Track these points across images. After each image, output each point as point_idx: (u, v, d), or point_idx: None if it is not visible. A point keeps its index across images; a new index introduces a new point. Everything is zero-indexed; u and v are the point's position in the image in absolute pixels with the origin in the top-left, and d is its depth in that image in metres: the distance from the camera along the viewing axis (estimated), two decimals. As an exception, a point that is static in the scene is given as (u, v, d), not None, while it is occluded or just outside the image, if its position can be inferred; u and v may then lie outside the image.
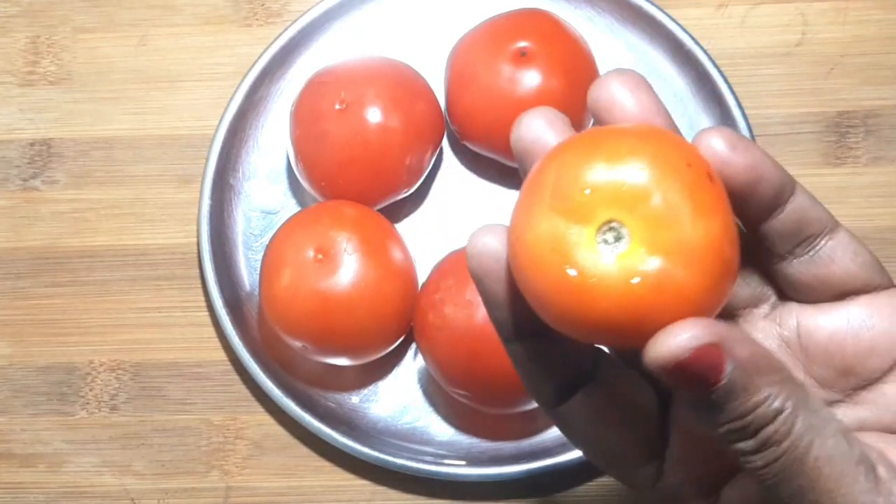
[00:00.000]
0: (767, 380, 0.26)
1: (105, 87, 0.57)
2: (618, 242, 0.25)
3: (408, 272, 0.50)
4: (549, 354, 0.29)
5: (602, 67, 0.52)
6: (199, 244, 0.53)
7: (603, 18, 0.56)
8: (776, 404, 0.26)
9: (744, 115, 0.52)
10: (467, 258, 0.29)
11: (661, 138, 0.27)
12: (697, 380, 0.25)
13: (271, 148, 0.55)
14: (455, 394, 0.49)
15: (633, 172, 0.26)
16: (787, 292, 0.31)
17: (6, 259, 0.55)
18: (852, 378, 0.31)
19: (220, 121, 0.54)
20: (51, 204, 0.56)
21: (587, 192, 0.26)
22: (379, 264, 0.48)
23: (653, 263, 0.25)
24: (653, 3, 0.55)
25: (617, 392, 0.30)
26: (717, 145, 0.28)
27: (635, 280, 0.25)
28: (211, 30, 0.58)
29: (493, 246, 0.28)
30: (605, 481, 0.50)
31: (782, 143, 0.54)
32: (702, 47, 0.54)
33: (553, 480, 0.50)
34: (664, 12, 0.54)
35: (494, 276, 0.28)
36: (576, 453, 0.49)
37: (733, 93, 0.53)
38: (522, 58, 0.50)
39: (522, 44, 0.51)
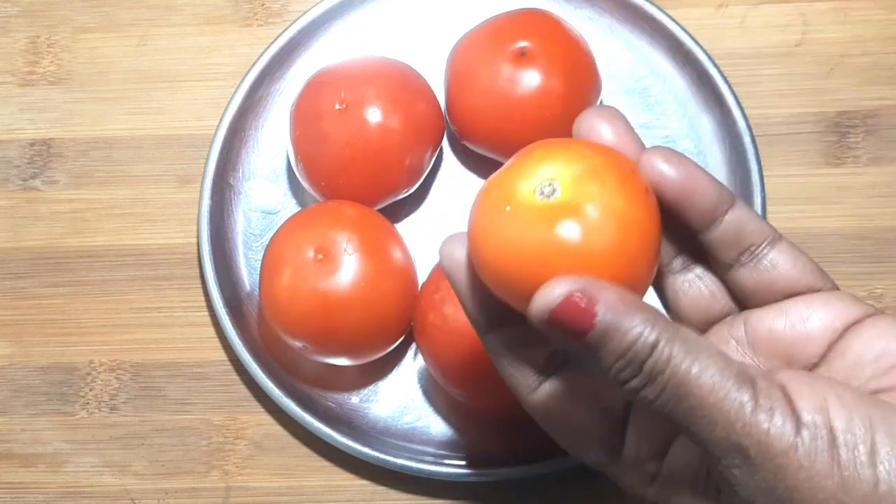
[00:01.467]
0: (639, 318, 0.29)
1: (105, 87, 0.57)
2: (551, 196, 0.30)
3: (408, 272, 0.50)
4: (521, 340, 0.33)
5: (602, 67, 0.52)
6: (199, 244, 0.53)
7: (603, 18, 0.56)
8: (651, 338, 0.29)
9: (744, 115, 0.52)
10: (441, 264, 0.34)
11: (610, 151, 0.32)
12: (574, 327, 0.29)
13: (271, 148, 0.55)
14: (455, 394, 0.49)
15: (578, 165, 0.31)
16: (741, 301, 0.35)
17: (6, 259, 0.55)
18: (795, 365, 0.34)
19: (220, 121, 0.54)
20: (51, 204, 0.56)
21: (543, 171, 0.31)
22: (379, 264, 0.48)
23: (573, 224, 0.30)
24: (653, 3, 0.55)
25: (586, 376, 0.34)
26: (655, 160, 0.32)
27: (558, 228, 0.30)
28: (211, 30, 0.58)
29: (457, 247, 0.33)
30: (604, 481, 0.50)
31: (782, 143, 0.54)
32: (702, 47, 0.54)
33: (552, 480, 0.50)
34: (664, 12, 0.54)
35: (459, 273, 0.33)
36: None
37: (733, 93, 0.53)
38: (522, 58, 0.50)
39: (522, 44, 0.51)
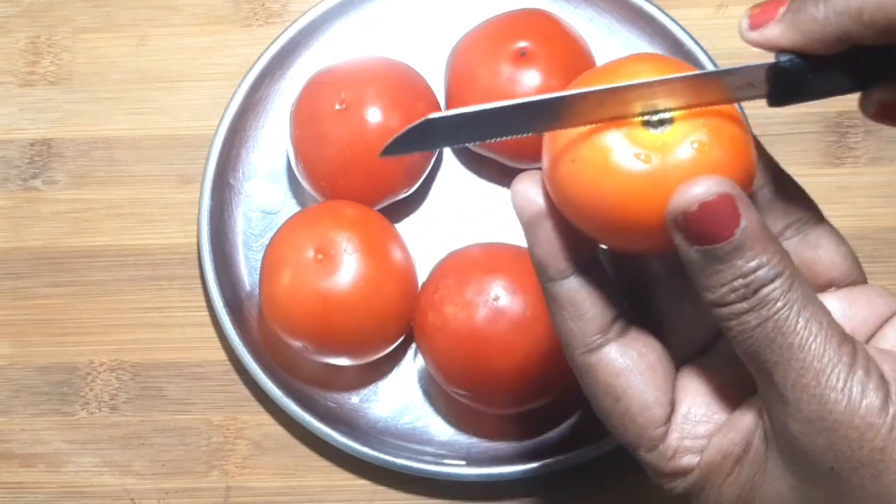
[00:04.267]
0: (773, 247, 0.29)
1: (105, 87, 0.57)
2: (662, 126, 0.30)
3: (408, 272, 0.50)
4: (589, 294, 0.32)
5: (602, 67, 0.52)
6: (199, 244, 0.53)
7: (603, 19, 0.56)
8: (776, 269, 0.29)
9: (743, 114, 0.52)
10: (514, 208, 0.32)
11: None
12: (712, 229, 0.28)
13: (271, 148, 0.55)
14: (455, 394, 0.49)
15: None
16: None
17: (6, 259, 0.55)
18: None
19: (220, 121, 0.54)
20: (51, 204, 0.56)
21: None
22: (379, 264, 0.48)
23: (698, 136, 0.29)
24: (653, 4, 0.55)
25: (649, 347, 0.33)
26: None
27: (689, 148, 0.29)
28: (211, 30, 0.58)
29: (531, 187, 0.32)
30: (604, 481, 0.50)
31: (782, 143, 0.54)
32: (702, 47, 0.54)
33: (553, 480, 0.50)
34: (664, 12, 0.54)
35: (532, 213, 0.32)
36: (575, 454, 0.49)
37: (733, 93, 0.53)
38: (522, 58, 0.50)
39: (522, 44, 0.51)
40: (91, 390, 0.53)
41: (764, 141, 0.53)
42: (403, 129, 0.30)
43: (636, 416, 0.32)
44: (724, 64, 0.54)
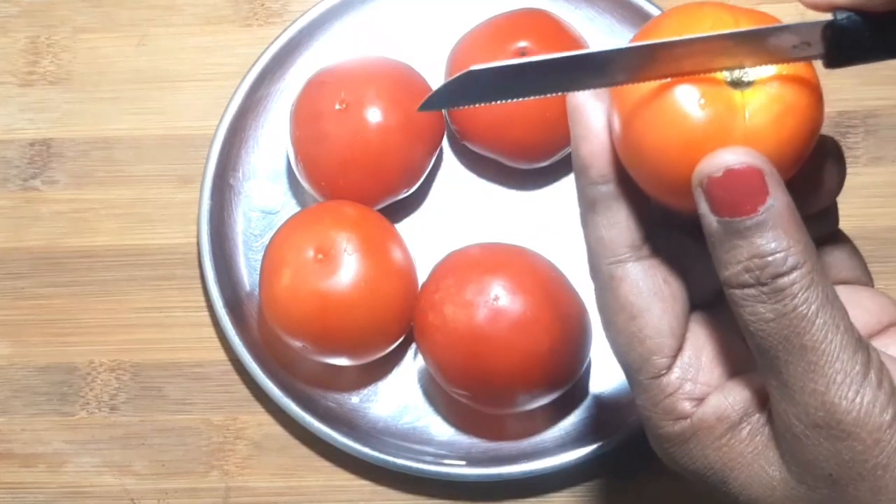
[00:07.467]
0: (797, 236, 0.28)
1: (105, 87, 0.57)
2: (741, 86, 0.29)
3: (408, 272, 0.50)
4: (631, 202, 0.31)
5: (602, 67, 0.52)
6: (199, 244, 0.53)
7: (603, 18, 0.56)
8: (796, 258, 0.28)
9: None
10: (568, 106, 0.32)
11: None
12: (737, 201, 0.27)
13: (271, 148, 0.55)
14: (455, 394, 0.49)
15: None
16: None
17: (6, 259, 0.55)
18: None
19: (220, 121, 0.54)
20: (51, 204, 0.56)
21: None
22: (379, 264, 0.48)
23: (770, 104, 0.29)
24: (653, 4, 0.55)
25: (672, 279, 0.32)
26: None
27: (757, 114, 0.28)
28: (211, 30, 0.58)
29: (591, 97, 0.31)
30: (604, 481, 0.50)
31: (782, 143, 0.54)
32: (702, 47, 0.54)
33: (553, 480, 0.50)
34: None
35: (588, 111, 0.31)
36: (575, 454, 0.49)
37: (733, 93, 0.53)
38: (522, 58, 0.50)
39: (522, 44, 0.51)
40: (91, 390, 0.53)
41: (764, 141, 0.53)
42: (445, 81, 0.29)
43: (647, 338, 0.31)
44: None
